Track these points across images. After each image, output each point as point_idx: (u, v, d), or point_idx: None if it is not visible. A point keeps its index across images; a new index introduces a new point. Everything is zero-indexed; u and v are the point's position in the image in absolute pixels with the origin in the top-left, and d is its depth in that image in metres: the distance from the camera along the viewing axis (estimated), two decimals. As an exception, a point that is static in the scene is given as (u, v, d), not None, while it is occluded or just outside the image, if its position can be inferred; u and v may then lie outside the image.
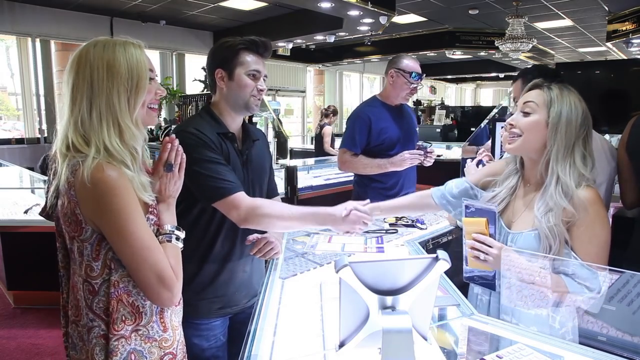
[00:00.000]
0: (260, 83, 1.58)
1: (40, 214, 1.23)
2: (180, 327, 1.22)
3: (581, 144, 1.31)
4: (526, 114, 1.36)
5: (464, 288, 1.54)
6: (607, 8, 7.60)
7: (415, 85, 2.55)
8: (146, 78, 1.10)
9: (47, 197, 1.17)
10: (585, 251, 1.26)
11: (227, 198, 1.47)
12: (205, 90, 8.23)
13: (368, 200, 1.61)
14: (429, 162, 2.60)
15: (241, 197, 1.49)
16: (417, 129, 2.83)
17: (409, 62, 2.54)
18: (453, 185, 1.62)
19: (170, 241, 1.13)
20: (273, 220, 1.52)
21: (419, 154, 2.55)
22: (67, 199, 1.05)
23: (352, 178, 2.88)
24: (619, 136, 2.09)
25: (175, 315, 1.20)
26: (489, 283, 1.39)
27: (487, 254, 1.31)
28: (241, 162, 1.61)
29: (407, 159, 2.52)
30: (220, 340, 1.64)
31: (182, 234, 1.17)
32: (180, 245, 1.16)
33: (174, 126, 6.31)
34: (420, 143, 2.62)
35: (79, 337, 1.11)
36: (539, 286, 1.23)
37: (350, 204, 1.58)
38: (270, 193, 1.78)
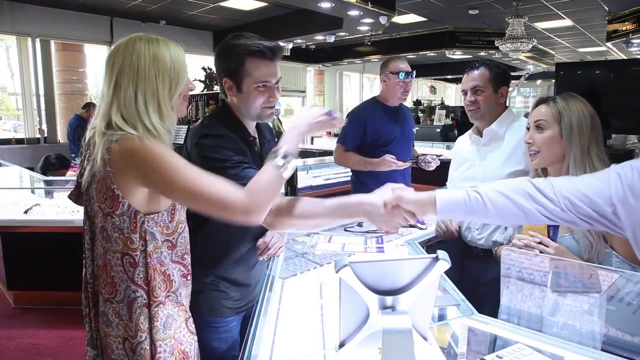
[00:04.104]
0: (272, 92, 1.45)
1: (69, 197, 1.32)
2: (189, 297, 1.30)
3: (594, 146, 1.39)
4: (540, 130, 1.46)
5: (464, 288, 1.54)
6: (607, 8, 7.60)
7: (407, 83, 2.64)
8: (185, 71, 1.23)
9: (79, 180, 1.25)
10: (624, 250, 1.25)
11: None
12: (206, 90, 8.23)
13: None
14: (430, 168, 2.68)
15: None
16: (415, 129, 2.91)
17: (397, 64, 2.65)
18: None
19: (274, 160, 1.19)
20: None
21: (398, 164, 2.59)
22: (103, 176, 1.13)
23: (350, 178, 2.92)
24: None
25: (186, 288, 1.27)
26: None
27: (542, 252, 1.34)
28: (259, 166, 1.54)
29: (386, 163, 2.58)
30: (234, 339, 1.64)
31: (289, 162, 1.19)
32: (284, 171, 1.19)
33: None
34: (413, 159, 2.70)
35: (115, 313, 1.16)
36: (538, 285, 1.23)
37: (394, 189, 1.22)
38: None
